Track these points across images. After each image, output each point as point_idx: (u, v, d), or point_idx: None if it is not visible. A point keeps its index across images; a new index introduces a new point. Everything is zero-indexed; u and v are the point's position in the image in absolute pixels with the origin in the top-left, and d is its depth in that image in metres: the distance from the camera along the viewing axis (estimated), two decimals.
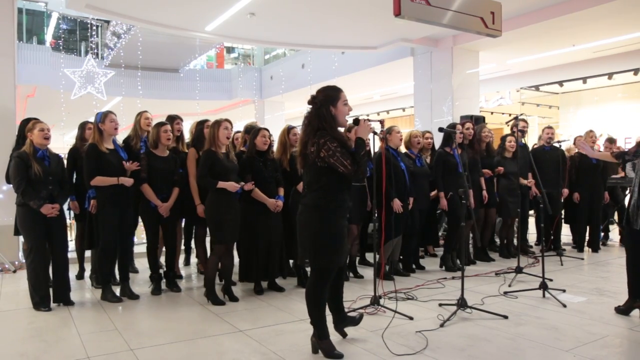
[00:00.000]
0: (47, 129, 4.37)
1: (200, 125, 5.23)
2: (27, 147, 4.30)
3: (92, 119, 5.16)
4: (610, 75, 11.42)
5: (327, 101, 3.15)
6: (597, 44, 10.08)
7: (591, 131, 7.17)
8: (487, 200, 6.26)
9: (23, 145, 4.63)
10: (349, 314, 3.56)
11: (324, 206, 3.12)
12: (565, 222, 7.35)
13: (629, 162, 4.64)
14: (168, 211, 4.85)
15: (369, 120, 3.30)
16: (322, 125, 3.12)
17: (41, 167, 4.27)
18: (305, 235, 3.20)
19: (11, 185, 6.11)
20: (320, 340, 3.25)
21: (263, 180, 4.79)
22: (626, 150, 4.19)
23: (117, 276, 5.02)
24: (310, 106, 3.22)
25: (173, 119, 5.45)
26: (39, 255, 4.31)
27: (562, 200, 6.90)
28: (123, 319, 4.19)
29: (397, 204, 5.15)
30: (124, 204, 4.62)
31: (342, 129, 3.35)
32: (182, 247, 6.07)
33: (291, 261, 5.50)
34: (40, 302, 4.34)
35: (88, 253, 5.49)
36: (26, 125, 4.82)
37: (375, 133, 3.46)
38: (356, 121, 3.26)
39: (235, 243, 4.82)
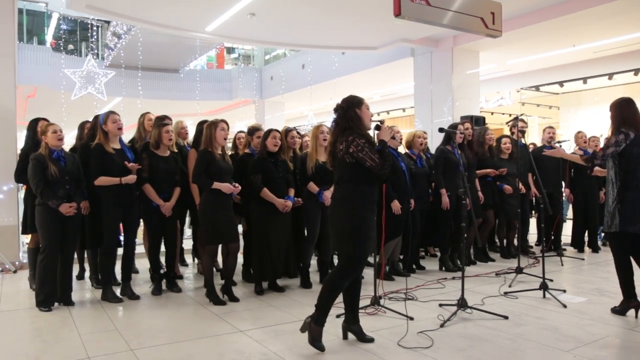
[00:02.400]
0: (60, 130, 4.45)
1: (201, 126, 5.22)
2: (42, 149, 4.38)
3: (91, 119, 5.17)
4: (610, 76, 11.41)
5: (352, 105, 3.39)
6: (597, 44, 10.07)
7: (580, 132, 7.18)
8: (482, 201, 6.25)
9: (33, 145, 4.79)
10: (363, 330, 3.55)
11: (352, 198, 3.31)
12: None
13: (597, 166, 4.63)
14: (170, 210, 4.86)
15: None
16: (349, 125, 3.35)
17: (57, 167, 4.33)
18: (333, 225, 3.40)
19: (12, 185, 6.19)
20: (315, 325, 3.31)
21: (273, 181, 4.82)
22: (595, 155, 4.18)
23: (117, 276, 5.02)
24: (336, 112, 3.44)
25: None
26: (52, 254, 4.35)
27: (562, 200, 6.90)
28: (123, 319, 4.20)
29: (396, 205, 5.15)
30: (127, 204, 4.66)
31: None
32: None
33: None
34: (44, 300, 4.35)
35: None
36: (35, 125, 4.93)
37: (393, 138, 3.59)
38: (377, 127, 3.47)
39: (239, 244, 4.82)
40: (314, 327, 3.32)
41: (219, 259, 5.12)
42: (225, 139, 4.65)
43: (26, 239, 6.08)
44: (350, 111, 3.37)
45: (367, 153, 3.25)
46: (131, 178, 4.57)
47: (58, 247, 4.38)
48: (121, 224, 4.76)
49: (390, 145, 5.41)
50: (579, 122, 13.11)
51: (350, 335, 3.54)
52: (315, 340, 3.30)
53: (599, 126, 10.63)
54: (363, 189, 3.32)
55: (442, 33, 9.22)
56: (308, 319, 3.37)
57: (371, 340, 3.49)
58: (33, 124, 5.04)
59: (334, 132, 3.45)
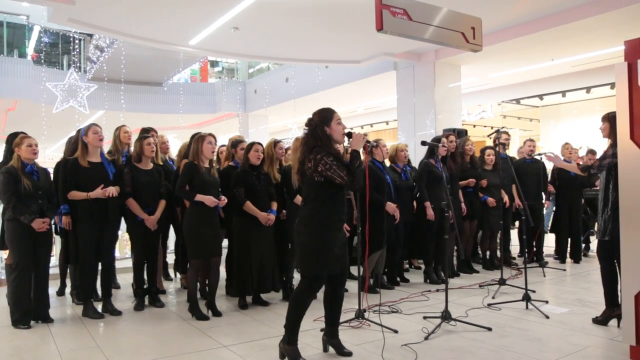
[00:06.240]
0: (35, 144, 4.36)
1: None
2: (14, 162, 4.26)
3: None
4: (588, 89, 11.66)
5: (321, 122, 3.37)
6: (575, 58, 10.29)
7: (567, 144, 7.33)
8: (465, 212, 6.31)
9: (10, 159, 4.60)
10: (343, 343, 3.53)
11: (316, 217, 3.30)
12: (552, 231, 7.44)
13: (594, 175, 4.69)
14: (155, 224, 4.81)
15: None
16: (317, 144, 3.34)
17: (30, 181, 4.24)
18: (297, 243, 3.40)
19: None
20: (288, 346, 3.33)
21: (256, 194, 4.80)
22: (592, 165, 4.25)
23: (99, 292, 4.95)
24: (307, 128, 3.43)
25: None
26: (24, 271, 4.24)
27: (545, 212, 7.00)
28: (104, 335, 4.13)
29: (391, 207, 5.19)
30: (102, 219, 4.55)
31: (340, 147, 3.54)
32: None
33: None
34: (20, 319, 4.25)
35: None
36: (13, 139, 4.78)
37: (368, 142, 3.58)
38: (349, 135, 3.43)
39: (222, 257, 4.78)
40: (288, 348, 3.33)
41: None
42: (212, 152, 4.66)
43: (4, 254, 5.96)
44: (318, 130, 3.35)
45: (335, 171, 3.22)
46: (98, 192, 4.46)
47: (31, 263, 4.27)
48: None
49: (377, 157, 5.45)
50: (559, 134, 13.34)
51: (332, 349, 3.53)
52: (296, 358, 3.30)
53: (578, 138, 10.82)
54: (329, 208, 3.30)
55: (424, 47, 9.34)
56: (281, 343, 3.38)
57: (349, 354, 3.47)
58: (11, 139, 4.95)
59: (302, 150, 3.42)
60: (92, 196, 4.44)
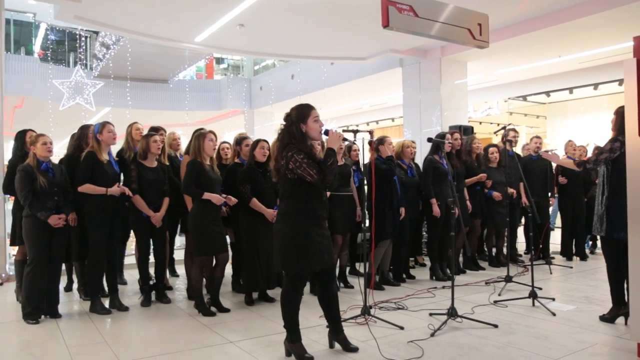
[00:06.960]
0: (50, 142, 4.44)
1: None
2: (30, 160, 4.34)
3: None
4: (595, 86, 11.57)
5: (298, 119, 3.37)
6: (582, 55, 10.21)
7: (570, 141, 7.30)
8: (471, 210, 6.29)
9: (21, 156, 4.75)
10: (349, 339, 3.53)
11: (293, 214, 3.31)
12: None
13: (591, 170, 4.66)
14: (160, 221, 4.84)
15: (343, 131, 3.57)
16: (291, 141, 3.33)
17: (46, 178, 4.31)
18: (276, 241, 3.39)
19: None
20: (292, 344, 3.35)
21: (262, 191, 4.82)
22: (588, 159, 4.23)
23: (106, 287, 4.98)
24: (284, 123, 3.43)
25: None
26: (39, 266, 4.30)
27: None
28: (112, 331, 4.16)
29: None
30: (113, 214, 4.62)
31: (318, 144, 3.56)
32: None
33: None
34: (30, 313, 4.30)
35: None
36: (23, 136, 4.92)
37: (345, 139, 3.57)
38: (326, 132, 3.43)
39: (227, 254, 4.79)
40: (292, 346, 3.35)
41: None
42: (213, 149, 4.69)
43: (13, 250, 6.01)
44: (293, 127, 3.34)
45: (305, 169, 3.21)
46: (116, 190, 4.54)
47: (46, 259, 4.34)
48: None
49: (383, 155, 5.44)
50: (566, 131, 13.25)
51: (338, 344, 3.53)
52: (301, 355, 3.31)
53: (585, 135, 10.76)
54: (306, 205, 3.29)
55: (430, 44, 9.30)
56: (285, 342, 3.40)
57: (355, 349, 3.48)
58: (21, 135, 5.03)
59: (277, 146, 3.43)
60: (110, 193, 4.51)
